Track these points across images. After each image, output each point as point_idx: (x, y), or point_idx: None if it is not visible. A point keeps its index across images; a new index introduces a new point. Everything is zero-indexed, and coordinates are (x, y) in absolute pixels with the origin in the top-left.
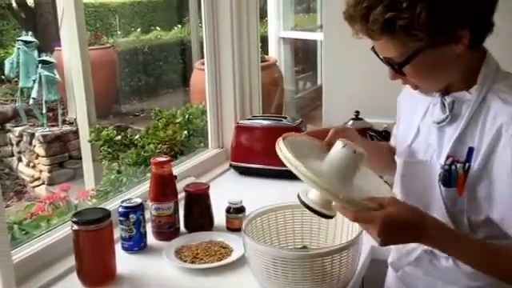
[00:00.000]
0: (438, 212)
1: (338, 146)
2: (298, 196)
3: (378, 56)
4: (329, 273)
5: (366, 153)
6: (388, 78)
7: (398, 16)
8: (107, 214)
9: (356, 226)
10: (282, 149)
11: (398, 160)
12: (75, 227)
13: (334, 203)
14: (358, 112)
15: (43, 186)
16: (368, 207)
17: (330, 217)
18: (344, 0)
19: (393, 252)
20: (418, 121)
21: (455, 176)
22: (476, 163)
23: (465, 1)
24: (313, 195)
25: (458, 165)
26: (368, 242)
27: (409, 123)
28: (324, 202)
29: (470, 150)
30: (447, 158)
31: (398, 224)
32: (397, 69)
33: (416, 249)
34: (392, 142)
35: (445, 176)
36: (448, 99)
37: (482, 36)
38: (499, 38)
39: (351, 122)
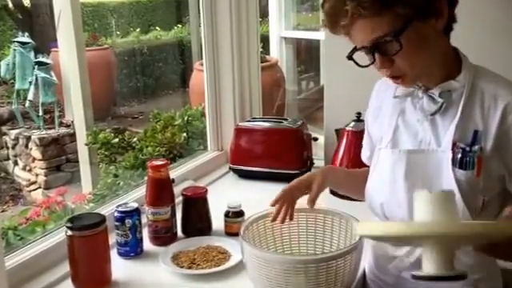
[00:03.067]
0: None
1: (423, 195)
2: (415, 276)
3: (356, 63)
4: (331, 279)
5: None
6: (377, 67)
7: None
8: (102, 219)
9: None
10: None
11: (387, 155)
12: (69, 232)
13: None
14: (359, 113)
15: (40, 190)
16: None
17: (462, 277)
18: None
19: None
20: (393, 119)
21: (472, 159)
22: (488, 144)
23: None
24: (428, 264)
25: (476, 147)
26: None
27: (382, 127)
28: (443, 261)
29: (476, 133)
30: (454, 144)
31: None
32: (388, 48)
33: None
34: (364, 156)
35: (462, 160)
36: (436, 91)
37: (451, 20)
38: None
39: (352, 123)
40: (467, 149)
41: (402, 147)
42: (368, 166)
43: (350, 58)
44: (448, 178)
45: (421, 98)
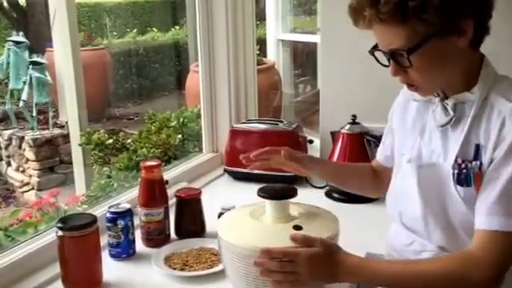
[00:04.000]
0: (458, 213)
1: None
2: None
3: (376, 59)
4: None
5: None
6: (391, 73)
7: None
8: (93, 220)
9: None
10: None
11: (406, 168)
12: (60, 233)
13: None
14: (354, 116)
15: (33, 192)
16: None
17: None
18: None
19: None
20: (417, 130)
21: (472, 175)
22: (486, 159)
23: None
24: None
25: (473, 163)
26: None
27: (406, 136)
28: None
29: (477, 148)
30: (456, 158)
31: (317, 256)
32: (403, 60)
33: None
34: (379, 156)
35: (459, 176)
36: (450, 102)
37: (482, 35)
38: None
39: (348, 126)
40: (463, 165)
41: (415, 160)
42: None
43: (371, 53)
44: (454, 194)
45: (434, 111)
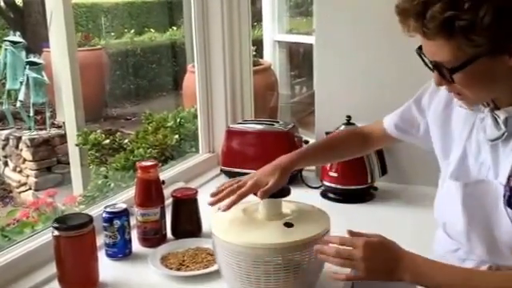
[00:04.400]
0: (505, 233)
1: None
2: None
3: (422, 60)
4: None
5: None
6: (435, 83)
7: (459, 16)
8: (89, 220)
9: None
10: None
11: (450, 183)
12: (56, 233)
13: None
14: (349, 117)
15: (30, 192)
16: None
17: None
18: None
19: None
20: (463, 138)
21: None
22: None
23: None
24: None
25: None
26: None
27: (448, 139)
28: None
29: None
30: (509, 178)
31: (379, 247)
32: (446, 75)
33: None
34: (387, 123)
35: (510, 198)
36: (502, 115)
37: None
38: None
39: (343, 126)
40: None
41: (461, 177)
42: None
43: (418, 53)
44: (503, 214)
45: (483, 120)
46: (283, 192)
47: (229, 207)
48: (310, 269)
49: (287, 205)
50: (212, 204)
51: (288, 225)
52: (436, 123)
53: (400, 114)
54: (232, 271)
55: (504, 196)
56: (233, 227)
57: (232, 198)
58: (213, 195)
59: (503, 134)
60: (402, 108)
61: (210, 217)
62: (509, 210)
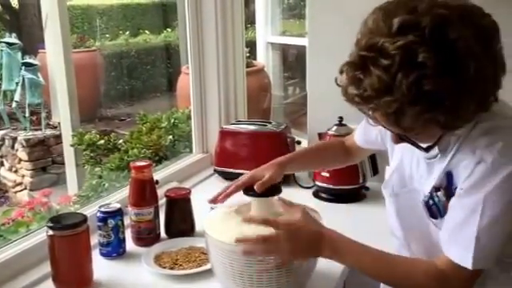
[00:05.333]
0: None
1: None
2: None
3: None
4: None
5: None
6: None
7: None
8: (83, 219)
9: None
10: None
11: (385, 192)
12: (50, 232)
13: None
14: (341, 118)
15: (25, 191)
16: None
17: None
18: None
19: None
20: (400, 147)
21: (442, 205)
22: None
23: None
24: None
25: (439, 193)
26: None
27: (391, 148)
28: None
29: (449, 175)
30: (432, 187)
31: (300, 228)
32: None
33: None
34: (358, 139)
35: (429, 209)
36: None
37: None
38: None
39: (335, 127)
40: (430, 201)
41: (395, 187)
42: None
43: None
44: (431, 225)
45: None
46: (274, 191)
47: (226, 197)
48: (302, 268)
49: (278, 203)
50: (212, 202)
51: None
52: (382, 132)
53: (364, 126)
54: (225, 270)
55: (426, 209)
56: (226, 227)
57: (227, 191)
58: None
59: (436, 154)
60: (364, 123)
61: (203, 216)
62: (433, 220)
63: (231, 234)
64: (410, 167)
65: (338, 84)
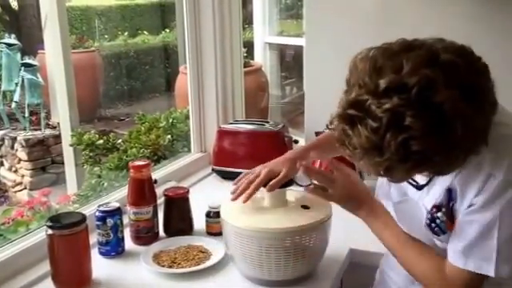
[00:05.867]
0: (438, 248)
1: None
2: None
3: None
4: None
5: None
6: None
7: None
8: (82, 219)
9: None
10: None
11: (385, 202)
12: (49, 232)
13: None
14: None
15: (25, 191)
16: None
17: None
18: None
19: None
20: None
21: (444, 225)
22: (462, 205)
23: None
24: None
25: (439, 214)
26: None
27: None
28: None
29: (449, 191)
30: (433, 207)
31: (350, 182)
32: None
33: None
34: None
35: (432, 229)
36: None
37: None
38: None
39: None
40: (436, 215)
41: (392, 197)
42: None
43: None
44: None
45: None
46: (287, 183)
47: (249, 197)
48: (317, 249)
49: (290, 193)
50: (234, 199)
51: (305, 207)
52: None
53: None
54: (243, 255)
55: (426, 224)
56: (242, 213)
57: (248, 191)
58: (233, 192)
59: (430, 180)
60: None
61: (205, 217)
62: (429, 231)
63: (248, 220)
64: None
65: (329, 128)
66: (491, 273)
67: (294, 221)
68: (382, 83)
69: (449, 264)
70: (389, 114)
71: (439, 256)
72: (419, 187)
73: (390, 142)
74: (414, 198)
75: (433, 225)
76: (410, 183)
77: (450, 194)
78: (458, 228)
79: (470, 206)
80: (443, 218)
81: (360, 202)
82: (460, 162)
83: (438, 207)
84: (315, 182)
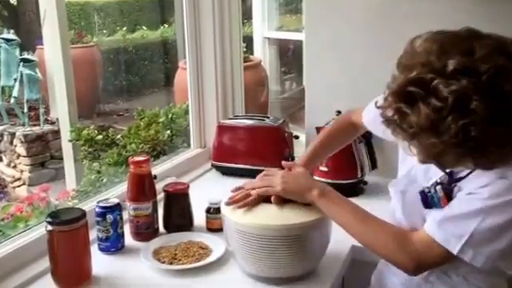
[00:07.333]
0: None
1: None
2: None
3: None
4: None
5: None
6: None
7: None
8: (82, 214)
9: None
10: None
11: (393, 190)
12: (49, 227)
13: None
14: (339, 112)
15: (24, 187)
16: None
17: None
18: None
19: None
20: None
21: (438, 198)
22: (461, 192)
23: None
24: None
25: (438, 187)
26: (348, 241)
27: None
28: None
29: (451, 173)
30: (435, 182)
31: (294, 174)
32: None
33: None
34: (366, 120)
35: (424, 197)
36: None
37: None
38: None
39: (333, 121)
40: (432, 189)
41: (402, 186)
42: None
43: None
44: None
45: None
46: None
47: (246, 206)
48: (320, 246)
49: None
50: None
51: (307, 204)
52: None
53: (374, 116)
54: (244, 252)
55: (424, 187)
56: (245, 211)
57: (250, 200)
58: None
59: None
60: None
61: (205, 213)
62: (425, 210)
63: (250, 217)
64: (423, 168)
65: (377, 107)
66: (455, 250)
67: (297, 217)
68: (452, 64)
69: (421, 231)
70: (455, 95)
71: (402, 227)
72: (447, 172)
73: (451, 125)
74: (422, 186)
75: (426, 190)
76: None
77: (451, 174)
78: (448, 206)
79: (469, 193)
80: (441, 193)
81: (310, 186)
82: (506, 161)
83: (438, 183)
84: None
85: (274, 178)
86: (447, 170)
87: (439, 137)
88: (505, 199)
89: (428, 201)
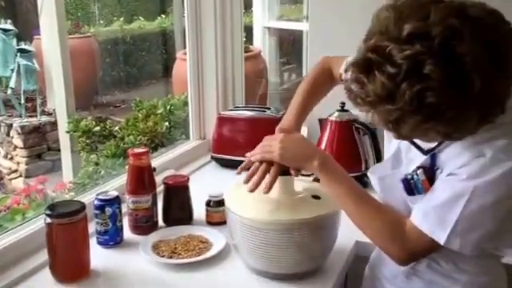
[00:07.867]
0: None
1: None
2: None
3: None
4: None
5: None
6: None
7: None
8: (82, 207)
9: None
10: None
11: (372, 177)
12: (48, 220)
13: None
14: (343, 103)
15: (21, 179)
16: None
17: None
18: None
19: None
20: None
21: (420, 183)
22: (442, 173)
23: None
24: None
25: (419, 171)
26: (353, 236)
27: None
28: None
29: (433, 155)
30: (417, 167)
31: (294, 140)
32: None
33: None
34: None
35: (407, 184)
36: None
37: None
38: None
39: (336, 113)
40: (414, 174)
41: (381, 172)
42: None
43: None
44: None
45: None
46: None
47: (270, 188)
48: (330, 239)
49: (298, 183)
50: (252, 190)
51: (315, 197)
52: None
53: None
54: (248, 246)
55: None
56: (250, 205)
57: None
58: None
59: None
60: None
61: (205, 206)
62: (408, 197)
63: (256, 212)
64: (405, 151)
65: (341, 80)
66: (441, 240)
67: (307, 212)
68: (406, 28)
69: (409, 221)
70: (409, 61)
71: (399, 212)
72: (425, 152)
73: (406, 91)
74: (402, 170)
75: (409, 177)
76: (417, 146)
77: (432, 157)
78: (431, 191)
79: (449, 174)
80: (423, 177)
81: (310, 155)
82: (471, 127)
83: (419, 167)
84: None
85: (272, 143)
86: (425, 149)
87: (394, 104)
88: (484, 179)
89: (411, 187)
